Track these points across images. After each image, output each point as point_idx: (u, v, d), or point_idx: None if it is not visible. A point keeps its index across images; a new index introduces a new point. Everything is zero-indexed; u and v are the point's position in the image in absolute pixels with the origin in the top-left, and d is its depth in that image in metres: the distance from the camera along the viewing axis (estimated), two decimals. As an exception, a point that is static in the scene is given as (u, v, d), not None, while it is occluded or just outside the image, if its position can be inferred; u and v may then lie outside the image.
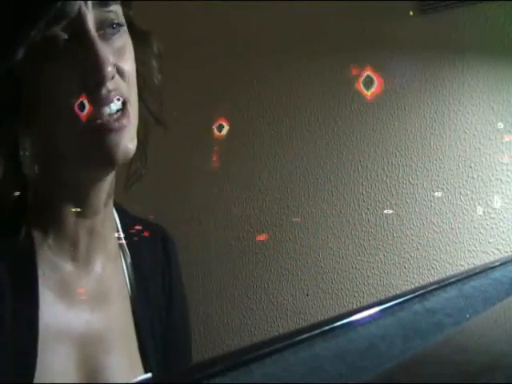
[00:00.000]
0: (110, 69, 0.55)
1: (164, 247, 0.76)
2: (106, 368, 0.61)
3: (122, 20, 0.59)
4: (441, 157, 1.24)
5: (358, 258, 1.32)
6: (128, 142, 0.57)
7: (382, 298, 0.39)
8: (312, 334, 0.32)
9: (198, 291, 1.49)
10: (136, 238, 0.72)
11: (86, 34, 0.55)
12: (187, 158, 1.50)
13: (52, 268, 0.59)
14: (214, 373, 0.27)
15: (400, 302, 0.38)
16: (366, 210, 1.31)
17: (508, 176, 1.18)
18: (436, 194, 1.24)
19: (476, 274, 0.47)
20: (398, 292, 0.40)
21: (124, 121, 0.58)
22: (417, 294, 0.40)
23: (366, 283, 1.31)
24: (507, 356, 0.31)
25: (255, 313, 1.43)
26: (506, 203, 1.18)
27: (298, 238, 1.39)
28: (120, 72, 0.57)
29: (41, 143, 0.58)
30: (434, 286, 0.42)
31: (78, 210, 0.60)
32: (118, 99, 0.57)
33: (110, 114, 0.56)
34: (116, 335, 0.63)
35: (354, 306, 1.34)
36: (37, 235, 0.59)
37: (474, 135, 1.21)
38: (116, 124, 0.56)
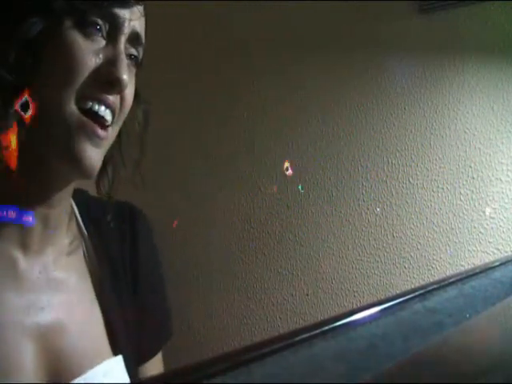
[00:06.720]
0: (125, 77, 0.56)
1: (131, 223, 0.74)
2: (68, 356, 0.60)
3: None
4: (441, 157, 1.24)
5: (358, 257, 1.32)
6: (98, 158, 0.57)
7: (382, 298, 0.38)
8: (312, 333, 0.32)
9: (198, 291, 1.49)
10: (97, 220, 0.70)
11: (120, 38, 0.57)
12: (187, 158, 1.50)
13: (1, 257, 0.57)
14: (214, 373, 0.27)
15: (400, 302, 0.38)
16: (366, 210, 1.31)
17: (508, 176, 1.18)
18: (436, 194, 1.24)
19: (476, 273, 0.47)
20: (397, 292, 0.40)
21: (108, 133, 0.57)
22: (417, 293, 0.40)
23: (366, 283, 1.31)
24: (507, 356, 0.31)
25: (255, 313, 1.43)
26: (505, 203, 1.18)
27: (298, 238, 1.39)
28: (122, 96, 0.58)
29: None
30: (434, 286, 0.42)
31: (34, 199, 0.58)
32: (113, 112, 0.57)
33: (102, 117, 0.56)
34: (78, 321, 0.62)
35: (354, 306, 1.34)
36: None
37: (474, 135, 1.21)
38: (99, 131, 0.56)
